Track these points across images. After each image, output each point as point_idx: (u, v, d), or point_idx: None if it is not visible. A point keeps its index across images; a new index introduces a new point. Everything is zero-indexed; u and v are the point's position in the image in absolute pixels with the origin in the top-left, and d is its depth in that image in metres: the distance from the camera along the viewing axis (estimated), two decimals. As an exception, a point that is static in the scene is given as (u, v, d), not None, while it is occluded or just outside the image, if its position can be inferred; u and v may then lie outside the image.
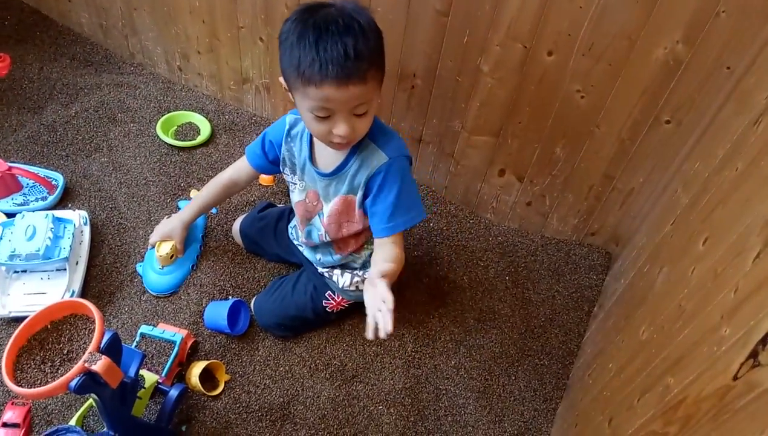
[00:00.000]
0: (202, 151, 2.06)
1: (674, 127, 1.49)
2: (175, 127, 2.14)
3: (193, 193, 1.89)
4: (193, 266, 1.72)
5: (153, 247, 1.68)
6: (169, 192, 1.92)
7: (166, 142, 2.06)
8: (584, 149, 1.63)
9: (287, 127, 1.43)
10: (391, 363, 1.61)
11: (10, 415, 1.43)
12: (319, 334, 1.64)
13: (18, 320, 1.60)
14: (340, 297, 1.60)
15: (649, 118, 1.50)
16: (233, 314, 1.60)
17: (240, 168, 1.60)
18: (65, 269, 1.65)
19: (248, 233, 1.75)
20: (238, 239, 1.79)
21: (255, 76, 2.06)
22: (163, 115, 2.14)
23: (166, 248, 1.65)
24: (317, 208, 1.46)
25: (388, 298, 1.12)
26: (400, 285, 1.73)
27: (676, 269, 1.15)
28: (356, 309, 1.67)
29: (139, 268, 1.72)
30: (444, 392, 1.58)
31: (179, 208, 1.79)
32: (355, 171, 1.32)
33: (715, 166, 1.20)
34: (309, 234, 1.54)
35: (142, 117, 2.15)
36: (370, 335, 1.14)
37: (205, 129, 2.12)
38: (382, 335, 1.12)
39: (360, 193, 1.35)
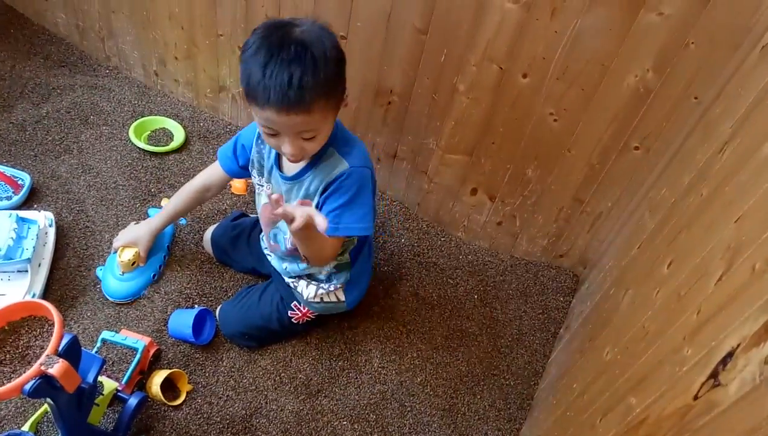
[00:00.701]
0: (174, 158, 2.04)
1: (643, 153, 1.52)
2: (149, 132, 2.11)
3: (164, 202, 1.86)
4: (154, 276, 1.69)
5: (116, 251, 1.65)
6: (139, 197, 1.90)
7: (138, 147, 2.04)
8: (555, 172, 1.66)
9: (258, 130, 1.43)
10: (356, 378, 1.60)
11: (-39, 419, 1.39)
12: (285, 346, 1.63)
13: None
14: (306, 308, 1.59)
15: (618, 144, 1.53)
16: (198, 322, 1.58)
17: (211, 173, 1.59)
18: (27, 271, 1.61)
19: (220, 242, 1.73)
20: (208, 247, 1.77)
21: (232, 84, 2.05)
22: (136, 120, 2.12)
23: (128, 255, 1.62)
24: None
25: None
26: (369, 299, 1.72)
27: (641, 291, 1.17)
28: (323, 322, 1.66)
29: (99, 272, 1.69)
30: (409, 409, 1.57)
31: (149, 216, 1.76)
32: (313, 178, 1.33)
33: (681, 192, 1.23)
34: (275, 238, 1.53)
35: (115, 120, 2.13)
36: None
37: (178, 135, 2.10)
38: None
39: (317, 199, 1.34)
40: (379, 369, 1.63)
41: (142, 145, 2.04)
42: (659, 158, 1.50)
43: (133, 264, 1.64)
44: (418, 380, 1.62)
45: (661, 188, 1.40)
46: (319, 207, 1.34)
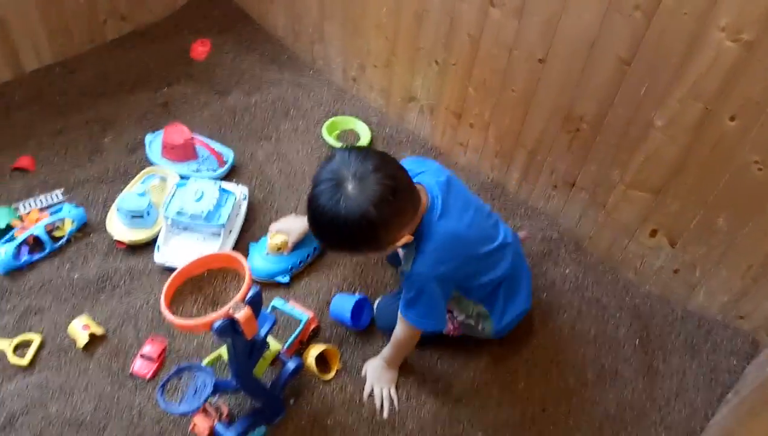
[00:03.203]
0: (358, 157, 2.17)
1: None
2: (339, 130, 2.27)
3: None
4: (292, 268, 1.78)
5: (267, 234, 1.78)
6: (321, 187, 2.04)
7: (328, 143, 2.20)
8: (751, 225, 1.53)
9: None
10: (498, 395, 1.59)
11: (149, 349, 1.58)
12: (434, 349, 1.65)
13: (169, 269, 1.76)
14: (457, 324, 1.61)
15: (832, 206, 1.40)
16: (357, 309, 1.66)
17: None
18: (219, 235, 1.80)
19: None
20: None
21: (422, 96, 2.14)
22: (329, 118, 2.29)
23: (277, 240, 1.74)
24: None
25: (390, 401, 1.55)
26: (523, 322, 1.69)
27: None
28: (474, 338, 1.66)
29: (251, 246, 1.83)
30: (548, 436, 1.53)
31: None
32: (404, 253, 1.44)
33: None
34: None
35: (311, 117, 2.31)
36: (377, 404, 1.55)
37: (365, 137, 2.24)
38: (385, 415, 1.53)
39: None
40: (523, 391, 1.60)
41: (331, 141, 2.19)
42: None
43: (279, 249, 1.75)
44: (562, 409, 1.57)
45: None
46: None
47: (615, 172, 1.71)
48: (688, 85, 1.45)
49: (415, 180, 1.35)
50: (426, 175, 1.42)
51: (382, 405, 1.54)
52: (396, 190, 1.23)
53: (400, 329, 1.49)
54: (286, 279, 1.76)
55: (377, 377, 1.57)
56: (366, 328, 1.68)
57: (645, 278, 1.84)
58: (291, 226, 1.77)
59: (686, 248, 1.69)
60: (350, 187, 1.20)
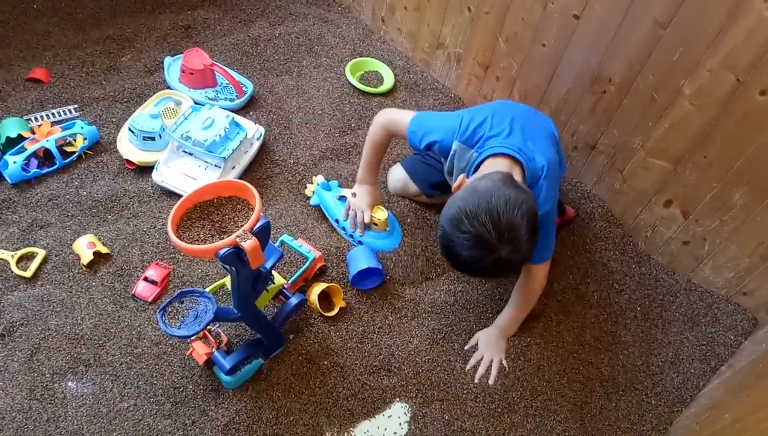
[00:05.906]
0: (379, 100, 2.15)
1: None
2: (362, 72, 2.24)
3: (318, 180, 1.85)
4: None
5: (363, 207, 1.72)
6: (339, 128, 2.03)
7: (350, 83, 2.17)
8: (767, 203, 1.52)
9: (453, 151, 1.50)
10: (496, 349, 1.61)
11: (152, 273, 1.60)
12: (445, 305, 1.67)
13: (166, 191, 1.77)
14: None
15: None
16: (367, 272, 1.64)
17: (391, 134, 1.65)
18: (220, 167, 1.78)
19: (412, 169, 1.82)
20: (396, 185, 1.86)
21: (450, 43, 2.10)
22: (354, 58, 2.25)
23: (383, 214, 1.71)
24: None
25: (501, 366, 1.58)
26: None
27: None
28: (471, 293, 1.67)
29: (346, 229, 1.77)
30: (540, 392, 1.55)
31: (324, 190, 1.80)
32: None
33: None
34: None
35: (335, 54, 2.28)
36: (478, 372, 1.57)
37: (388, 81, 2.21)
38: (491, 382, 1.55)
39: None
40: (522, 347, 1.62)
41: (354, 82, 2.17)
42: None
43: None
44: (557, 368, 1.60)
45: None
46: None
47: (636, 138, 1.69)
48: (722, 55, 1.41)
49: (494, 151, 1.39)
50: (493, 139, 1.42)
51: (487, 372, 1.57)
52: (532, 219, 1.25)
53: (533, 283, 1.56)
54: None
55: (490, 345, 1.59)
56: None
57: (653, 247, 1.84)
58: (375, 195, 1.74)
59: (699, 221, 1.68)
60: (505, 252, 1.22)
